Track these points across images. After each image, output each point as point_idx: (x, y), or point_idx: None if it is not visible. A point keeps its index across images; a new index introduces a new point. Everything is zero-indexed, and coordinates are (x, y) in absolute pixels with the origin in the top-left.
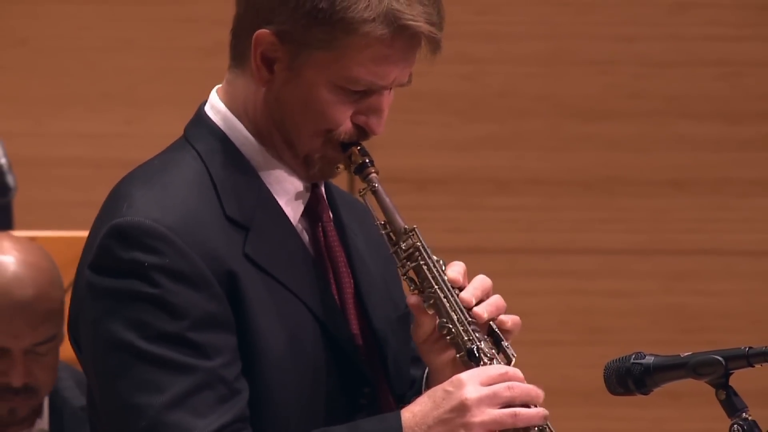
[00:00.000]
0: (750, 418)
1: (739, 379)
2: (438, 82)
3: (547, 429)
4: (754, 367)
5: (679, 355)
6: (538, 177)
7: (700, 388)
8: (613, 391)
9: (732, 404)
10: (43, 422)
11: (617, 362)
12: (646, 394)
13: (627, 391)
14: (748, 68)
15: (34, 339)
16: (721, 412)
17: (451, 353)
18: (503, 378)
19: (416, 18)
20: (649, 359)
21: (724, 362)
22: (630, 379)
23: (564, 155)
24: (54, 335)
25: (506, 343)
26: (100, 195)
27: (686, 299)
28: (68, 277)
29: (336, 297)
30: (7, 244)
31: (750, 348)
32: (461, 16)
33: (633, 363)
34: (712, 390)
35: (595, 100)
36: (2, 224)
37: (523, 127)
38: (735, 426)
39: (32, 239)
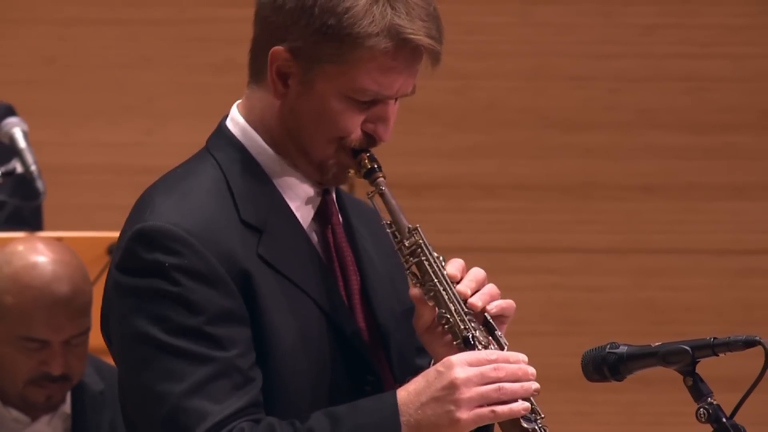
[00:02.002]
0: (715, 402)
1: (704, 367)
2: (431, 95)
3: (534, 406)
4: (718, 356)
5: (650, 345)
6: (522, 182)
7: (669, 375)
8: (589, 377)
9: (698, 390)
10: (66, 406)
11: (593, 351)
12: (620, 380)
13: (602, 378)
14: (712, 83)
15: (72, 331)
16: (688, 396)
17: (449, 339)
18: (491, 361)
19: (417, 32)
20: (623, 349)
21: (691, 351)
22: (605, 366)
23: (545, 162)
24: (88, 327)
25: (499, 333)
26: (122, 199)
27: (656, 294)
28: (92, 273)
29: (343, 293)
30: (40, 245)
31: (715, 338)
32: (452, 36)
33: (608, 352)
34: (680, 377)
35: (574, 112)
36: (33, 225)
37: (508, 136)
38: (701, 410)
39: (59, 239)
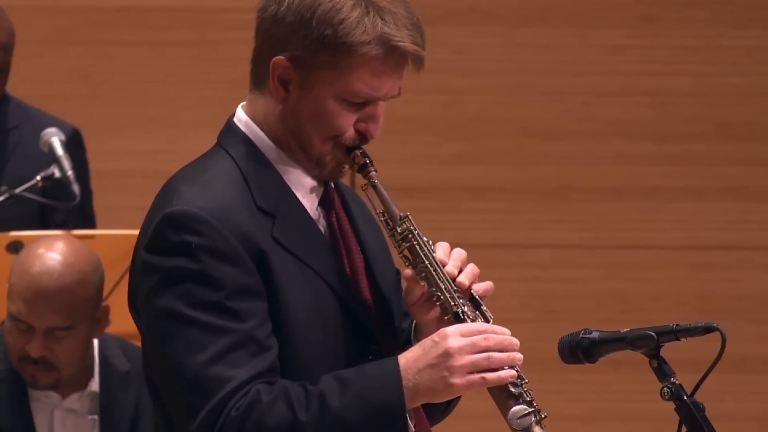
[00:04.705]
0: (677, 382)
1: (668, 351)
2: (423, 108)
3: (519, 372)
4: (680, 340)
5: (619, 331)
6: (505, 186)
7: (636, 358)
8: (565, 360)
9: (662, 371)
10: (95, 384)
11: (569, 337)
12: (592, 362)
13: (577, 361)
14: (674, 97)
15: (52, 323)
16: (653, 377)
17: (435, 312)
18: (481, 331)
19: (404, 39)
20: (595, 334)
21: (655, 337)
22: (579, 350)
23: (525, 168)
24: (70, 325)
25: (484, 307)
26: (149, 200)
27: (624, 285)
28: (122, 266)
29: (348, 271)
30: (60, 243)
31: (677, 325)
32: (442, 56)
33: (582, 337)
34: (646, 359)
35: (550, 124)
36: (84, 221)
37: (492, 145)
38: (664, 389)
39: (93, 236)
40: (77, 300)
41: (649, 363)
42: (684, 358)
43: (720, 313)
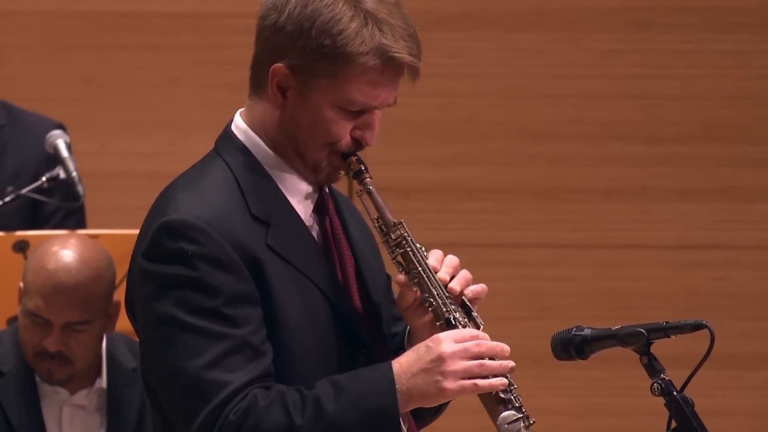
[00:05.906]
0: (667, 378)
1: (658, 347)
2: (418, 111)
3: (509, 379)
4: (669, 337)
5: (611, 328)
6: (498, 187)
7: (627, 354)
8: (558, 356)
9: (653, 367)
10: (102, 381)
11: (561, 334)
12: (584, 359)
13: (569, 357)
14: (663, 101)
15: (70, 318)
16: (643, 373)
17: (428, 318)
18: (473, 338)
19: (401, 51)
20: (587, 331)
21: (646, 334)
22: (572, 347)
23: (519, 169)
24: (87, 320)
25: (475, 313)
26: (151, 201)
27: (615, 284)
28: (126, 266)
29: (340, 276)
30: (73, 241)
31: (666, 322)
32: (438, 60)
33: (574, 334)
34: (637, 356)
35: (544, 126)
36: (77, 224)
37: (487, 147)
38: (655, 384)
39: (97, 236)
40: (93, 295)
41: (640, 359)
42: (674, 355)
43: (708, 310)
